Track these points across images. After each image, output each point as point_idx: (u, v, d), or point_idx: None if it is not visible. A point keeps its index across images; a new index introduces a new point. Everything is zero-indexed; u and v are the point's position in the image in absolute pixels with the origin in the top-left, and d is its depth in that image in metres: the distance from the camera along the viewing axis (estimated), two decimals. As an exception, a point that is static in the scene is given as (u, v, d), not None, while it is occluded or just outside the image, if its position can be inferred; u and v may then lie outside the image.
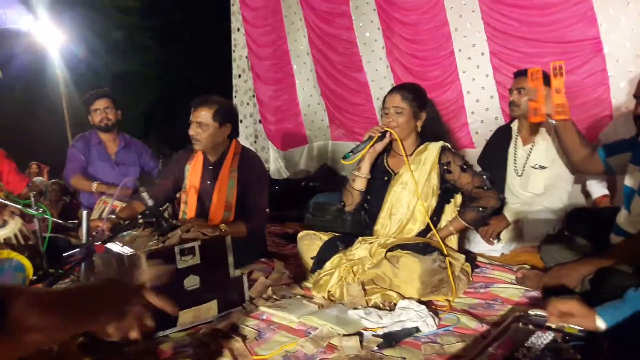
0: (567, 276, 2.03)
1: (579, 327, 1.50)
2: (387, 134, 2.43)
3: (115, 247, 2.03)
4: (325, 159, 5.16)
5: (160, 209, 2.90)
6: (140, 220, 2.21)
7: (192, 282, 2.01)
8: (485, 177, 2.50)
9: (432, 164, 2.43)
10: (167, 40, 7.30)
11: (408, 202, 2.43)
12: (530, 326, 1.53)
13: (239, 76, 5.70)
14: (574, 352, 1.38)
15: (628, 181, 2.17)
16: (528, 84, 2.28)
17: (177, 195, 2.96)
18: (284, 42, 5.20)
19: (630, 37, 3.16)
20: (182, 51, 7.25)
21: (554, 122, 2.27)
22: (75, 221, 3.00)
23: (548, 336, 1.47)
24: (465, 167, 2.43)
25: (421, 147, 2.49)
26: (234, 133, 2.77)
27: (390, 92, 2.49)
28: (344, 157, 2.43)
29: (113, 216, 2.61)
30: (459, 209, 2.49)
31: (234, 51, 5.70)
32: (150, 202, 2.16)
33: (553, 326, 1.52)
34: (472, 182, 2.43)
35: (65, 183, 3.73)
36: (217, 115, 2.64)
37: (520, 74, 2.90)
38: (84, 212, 2.04)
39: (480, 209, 2.40)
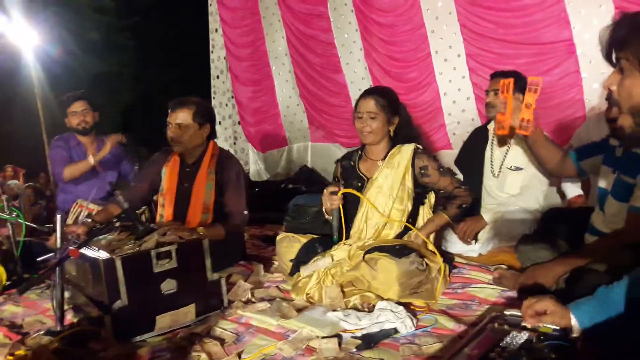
0: (542, 276, 2.06)
1: (553, 327, 1.52)
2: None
3: (90, 251, 2.00)
4: (305, 160, 5.16)
5: (137, 212, 2.86)
6: (117, 224, 2.18)
7: (169, 286, 1.99)
8: (458, 180, 2.54)
9: (405, 167, 2.43)
10: (145, 40, 7.22)
11: (384, 206, 2.43)
12: (506, 326, 1.55)
13: (217, 77, 5.67)
14: (549, 351, 1.40)
15: (601, 183, 2.21)
16: (499, 95, 2.31)
17: (154, 198, 2.93)
18: (262, 43, 5.18)
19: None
20: (159, 52, 7.18)
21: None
22: (51, 225, 2.94)
23: (523, 336, 1.48)
24: (441, 169, 2.45)
25: (394, 149, 2.48)
26: (212, 134, 2.75)
27: (364, 96, 2.47)
28: (333, 241, 2.44)
29: (89, 220, 2.57)
30: (438, 207, 2.50)
31: (212, 52, 5.67)
32: (126, 205, 2.14)
33: (528, 326, 1.54)
34: (451, 184, 2.45)
35: (56, 181, 3.63)
36: (196, 115, 2.62)
37: (497, 75, 2.94)
38: (58, 216, 2.00)
39: (463, 205, 2.43)
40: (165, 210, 2.73)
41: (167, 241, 2.06)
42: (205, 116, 2.68)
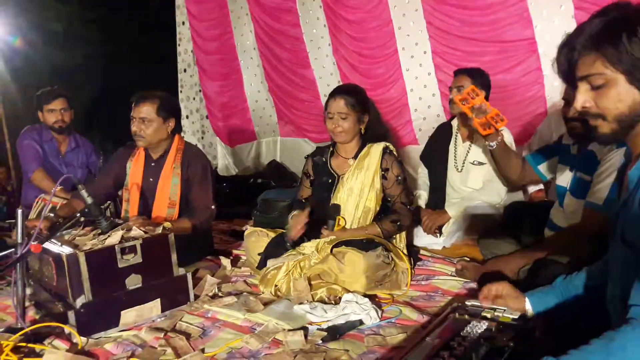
0: (502, 267, 2.14)
1: (512, 316, 1.57)
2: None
3: (53, 246, 1.97)
4: (274, 155, 5.15)
5: (102, 207, 2.82)
6: (81, 219, 2.15)
7: (133, 281, 1.97)
8: (411, 196, 2.58)
9: (375, 169, 2.45)
10: (110, 32, 7.05)
11: (354, 210, 2.45)
12: (467, 316, 1.60)
13: (185, 71, 5.60)
14: (507, 340, 1.45)
15: (560, 181, 2.29)
16: (471, 102, 2.37)
17: (119, 193, 2.89)
18: (231, 37, 5.14)
19: (563, 37, 3.31)
20: (125, 44, 7.02)
21: (493, 145, 2.38)
22: (12, 221, 2.86)
23: (483, 325, 1.53)
24: (399, 178, 2.46)
25: (364, 150, 2.49)
26: (177, 128, 2.73)
27: (333, 96, 2.46)
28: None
29: (51, 214, 2.52)
30: (376, 217, 2.48)
31: (179, 45, 5.59)
32: (89, 200, 2.10)
33: (488, 316, 1.60)
34: (399, 197, 2.46)
35: (24, 174, 3.53)
36: (160, 109, 2.60)
37: (460, 72, 2.99)
38: (19, 211, 1.96)
39: (398, 223, 2.43)
40: (130, 206, 2.70)
41: (132, 236, 2.04)
42: (170, 110, 2.65)
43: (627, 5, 1.12)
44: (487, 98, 2.97)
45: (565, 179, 2.24)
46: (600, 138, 1.19)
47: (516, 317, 1.56)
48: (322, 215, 2.49)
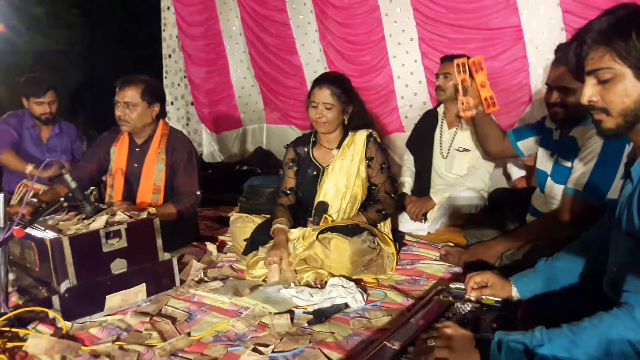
0: (484, 253, 2.17)
1: (495, 299, 1.60)
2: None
3: (37, 231, 1.95)
4: (260, 142, 5.13)
5: (86, 192, 2.79)
6: (65, 204, 2.13)
7: (118, 265, 1.96)
8: (395, 184, 2.56)
9: (360, 158, 2.43)
10: (94, 17, 6.92)
11: (340, 200, 2.44)
12: (451, 298, 1.62)
13: (169, 56, 5.53)
14: (490, 321, 1.48)
15: (541, 165, 2.31)
16: (456, 77, 2.33)
17: (103, 178, 2.86)
18: (216, 22, 5.08)
19: (548, 25, 3.35)
20: (109, 29, 6.90)
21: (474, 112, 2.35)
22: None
23: (467, 307, 1.56)
24: (383, 166, 2.45)
25: (347, 138, 2.47)
26: (162, 113, 2.70)
27: (319, 85, 2.40)
28: None
29: (34, 200, 2.49)
30: (360, 207, 2.48)
31: (163, 30, 5.52)
32: (73, 185, 2.08)
33: (472, 298, 1.62)
34: (384, 186, 2.45)
35: None
36: (145, 94, 2.57)
37: (446, 59, 3.00)
38: (1, 195, 1.93)
39: (383, 212, 2.44)
40: (114, 191, 2.68)
41: (116, 220, 2.02)
42: (154, 95, 2.62)
43: (634, 5, 1.16)
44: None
45: (546, 164, 2.26)
46: (605, 133, 1.23)
47: (499, 299, 1.59)
48: (309, 210, 2.49)
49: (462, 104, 2.32)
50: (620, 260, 1.26)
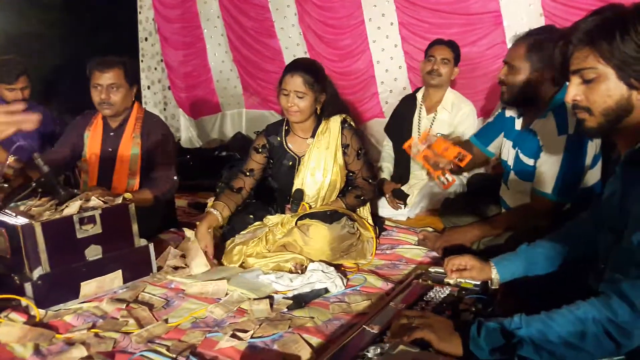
0: (458, 238, 2.18)
1: (474, 282, 1.61)
2: None
3: (7, 217, 1.89)
4: (240, 127, 5.07)
5: (59, 177, 2.72)
6: (38, 189, 2.07)
7: (93, 252, 1.92)
8: (373, 169, 2.55)
9: (336, 145, 2.40)
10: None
11: (318, 189, 2.41)
12: (430, 282, 1.63)
13: (146, 39, 5.40)
14: (470, 304, 1.49)
15: (504, 155, 2.31)
16: (419, 159, 2.36)
17: (78, 163, 2.79)
18: (193, 4, 4.97)
19: (527, 11, 3.36)
20: (85, 11, 6.71)
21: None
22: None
23: (446, 290, 1.57)
24: (360, 152, 2.43)
25: (321, 126, 2.42)
26: (137, 96, 2.65)
27: (290, 72, 2.30)
28: None
29: (5, 185, 2.41)
30: (339, 193, 2.46)
31: (139, 12, 5.37)
32: (45, 169, 2.02)
33: (451, 282, 1.63)
34: (361, 172, 2.44)
35: None
36: (127, 75, 2.53)
37: (438, 42, 3.01)
38: (-30, 182, 1.87)
39: (362, 198, 2.42)
40: (89, 176, 2.62)
41: (91, 206, 1.98)
42: (134, 76, 2.59)
43: (620, 6, 1.17)
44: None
45: (508, 154, 2.26)
46: (588, 132, 1.25)
47: (478, 282, 1.60)
48: (287, 198, 2.46)
49: (439, 178, 2.32)
50: (603, 255, 1.28)
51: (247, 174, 2.48)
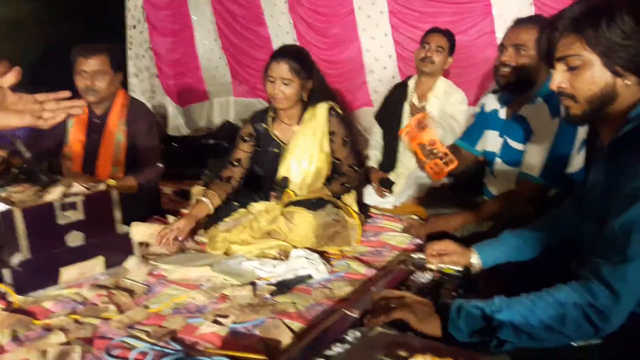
0: (444, 225, 2.17)
1: (456, 268, 1.61)
2: None
3: (-14, 203, 1.87)
4: (227, 115, 5.03)
5: (42, 164, 2.69)
6: (21, 176, 2.05)
7: (75, 238, 1.90)
8: (359, 156, 2.54)
9: (322, 132, 2.38)
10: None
11: (303, 176, 2.40)
12: (412, 267, 1.63)
13: (134, 27, 5.34)
14: (451, 289, 1.49)
15: (488, 146, 2.29)
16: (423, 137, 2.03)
17: (63, 151, 2.76)
18: (182, -9, 4.93)
19: (517, 0, 3.35)
20: (69, -1, 6.59)
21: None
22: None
23: (427, 276, 1.57)
24: (346, 140, 2.41)
25: (307, 113, 2.40)
26: (124, 83, 2.62)
27: (276, 59, 2.28)
28: None
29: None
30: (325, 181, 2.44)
31: (128, 0, 5.32)
32: (27, 154, 2.01)
33: (433, 268, 1.63)
34: (347, 159, 2.42)
35: None
36: (112, 62, 2.50)
37: (434, 31, 2.99)
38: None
39: (347, 185, 2.41)
40: (73, 164, 2.59)
41: (73, 192, 1.95)
42: (119, 62, 2.58)
43: None
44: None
45: (494, 143, 2.25)
46: (572, 119, 1.25)
47: (460, 268, 1.60)
48: (272, 186, 2.45)
49: (431, 167, 1.99)
50: (587, 243, 1.28)
51: (235, 163, 2.47)
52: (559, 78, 1.22)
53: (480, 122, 2.37)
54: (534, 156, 2.02)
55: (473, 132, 2.43)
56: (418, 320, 1.17)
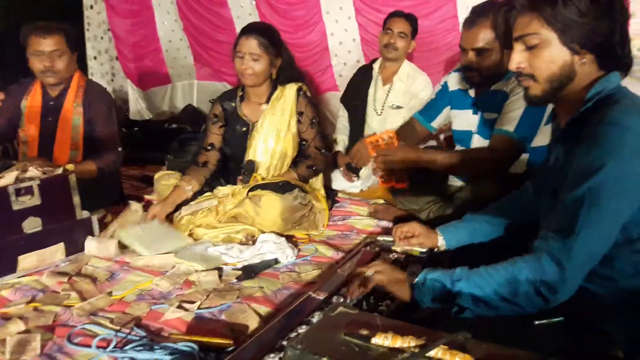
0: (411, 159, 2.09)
1: (421, 249, 1.63)
2: None
3: None
4: (191, 99, 4.94)
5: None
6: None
7: (32, 224, 1.83)
8: (325, 140, 2.54)
9: (290, 112, 2.38)
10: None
11: (270, 157, 2.39)
12: (378, 249, 1.64)
13: (91, 7, 5.14)
14: (416, 270, 1.50)
15: (460, 126, 2.30)
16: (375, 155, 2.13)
17: (18, 135, 2.65)
18: (141, -30, 4.77)
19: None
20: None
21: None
22: None
23: (393, 258, 1.58)
24: (314, 122, 2.42)
25: (276, 92, 2.39)
26: (82, 66, 2.53)
27: (245, 34, 2.27)
28: None
29: None
30: (291, 164, 2.44)
31: (84, -21, 5.12)
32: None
33: (398, 250, 1.65)
34: (314, 141, 2.43)
35: None
36: (69, 41, 2.41)
37: (397, 14, 2.98)
38: None
39: (314, 168, 2.42)
40: (28, 148, 2.49)
41: (28, 177, 1.88)
42: (76, 42, 2.49)
43: None
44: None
45: (468, 122, 2.25)
46: (531, 99, 1.25)
47: (424, 250, 1.63)
48: (239, 168, 2.43)
49: (382, 177, 2.21)
50: (543, 218, 1.31)
51: (209, 147, 2.45)
52: (517, 58, 1.22)
53: (442, 100, 2.38)
54: (509, 113, 2.00)
55: (432, 108, 2.45)
56: (391, 282, 1.30)
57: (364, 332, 0.88)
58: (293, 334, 1.05)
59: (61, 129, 2.43)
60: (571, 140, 1.21)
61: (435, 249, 1.62)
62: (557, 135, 1.33)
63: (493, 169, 2.01)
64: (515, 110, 1.99)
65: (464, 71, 2.12)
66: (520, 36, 1.21)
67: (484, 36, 1.98)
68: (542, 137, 2.03)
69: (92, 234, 2.01)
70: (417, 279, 1.26)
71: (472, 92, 2.22)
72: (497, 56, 2.00)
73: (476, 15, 2.02)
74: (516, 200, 1.60)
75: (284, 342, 1.02)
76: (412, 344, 0.85)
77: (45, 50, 2.35)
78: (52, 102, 2.47)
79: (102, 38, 5.17)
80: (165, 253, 1.95)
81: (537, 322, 1.19)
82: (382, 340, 0.86)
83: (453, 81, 2.34)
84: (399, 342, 0.86)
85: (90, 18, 5.13)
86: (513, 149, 2.00)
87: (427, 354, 0.83)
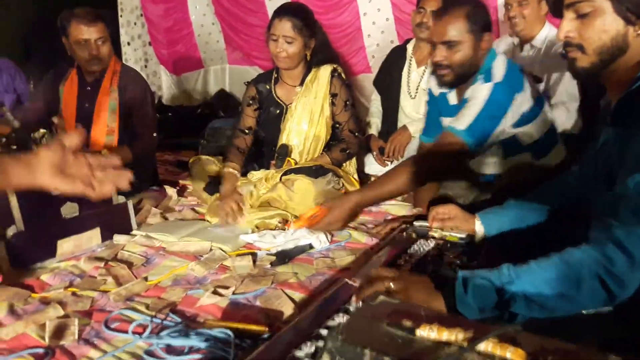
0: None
1: (459, 236, 1.58)
2: None
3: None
4: (223, 84, 4.94)
5: (35, 135, 2.63)
6: (12, 146, 1.99)
7: (70, 209, 1.86)
8: (359, 122, 2.46)
9: (324, 94, 2.35)
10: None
11: (304, 140, 2.36)
12: (414, 235, 1.60)
13: (124, -8, 5.19)
14: (454, 257, 1.46)
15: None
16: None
17: (55, 120, 2.69)
18: (173, -45, 4.77)
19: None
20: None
21: None
22: None
23: (430, 244, 1.54)
24: (348, 104, 2.37)
25: (311, 74, 2.36)
26: (117, 51, 2.56)
27: (279, 16, 2.25)
28: None
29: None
30: (324, 147, 2.41)
31: (117, -35, 5.15)
32: (16, 124, 1.95)
33: (436, 235, 1.60)
34: (347, 124, 2.38)
35: None
36: (109, 27, 2.45)
37: None
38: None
39: (348, 152, 2.38)
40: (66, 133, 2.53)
41: (65, 162, 1.90)
42: (113, 28, 2.50)
43: None
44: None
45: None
46: (578, 72, 1.17)
47: (463, 236, 1.57)
48: (272, 151, 2.41)
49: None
50: (596, 206, 1.23)
51: (247, 131, 2.45)
52: (567, 26, 1.14)
53: (434, 110, 2.20)
54: (463, 112, 1.86)
55: (431, 123, 2.24)
56: (419, 301, 1.06)
57: (408, 323, 0.84)
58: (329, 322, 1.03)
59: (97, 113, 2.46)
60: (624, 119, 1.13)
61: (474, 235, 1.56)
62: (606, 115, 1.25)
63: (438, 166, 1.87)
64: (469, 110, 1.84)
65: (434, 69, 1.95)
66: (572, 3, 1.13)
67: (456, 27, 1.82)
68: (533, 130, 1.93)
69: (129, 220, 2.03)
70: (457, 288, 1.07)
71: (452, 99, 2.04)
72: (469, 51, 1.84)
73: (449, 3, 1.88)
74: (560, 185, 1.52)
75: (321, 330, 0.99)
76: (460, 336, 0.80)
77: (91, 38, 2.37)
78: (89, 88, 2.50)
79: (135, 24, 5.21)
80: (196, 239, 1.95)
81: (585, 312, 1.13)
82: (427, 332, 0.81)
83: (433, 84, 2.13)
84: (445, 335, 0.80)
85: (124, 4, 5.18)
86: (459, 149, 1.84)
87: (476, 348, 0.77)
